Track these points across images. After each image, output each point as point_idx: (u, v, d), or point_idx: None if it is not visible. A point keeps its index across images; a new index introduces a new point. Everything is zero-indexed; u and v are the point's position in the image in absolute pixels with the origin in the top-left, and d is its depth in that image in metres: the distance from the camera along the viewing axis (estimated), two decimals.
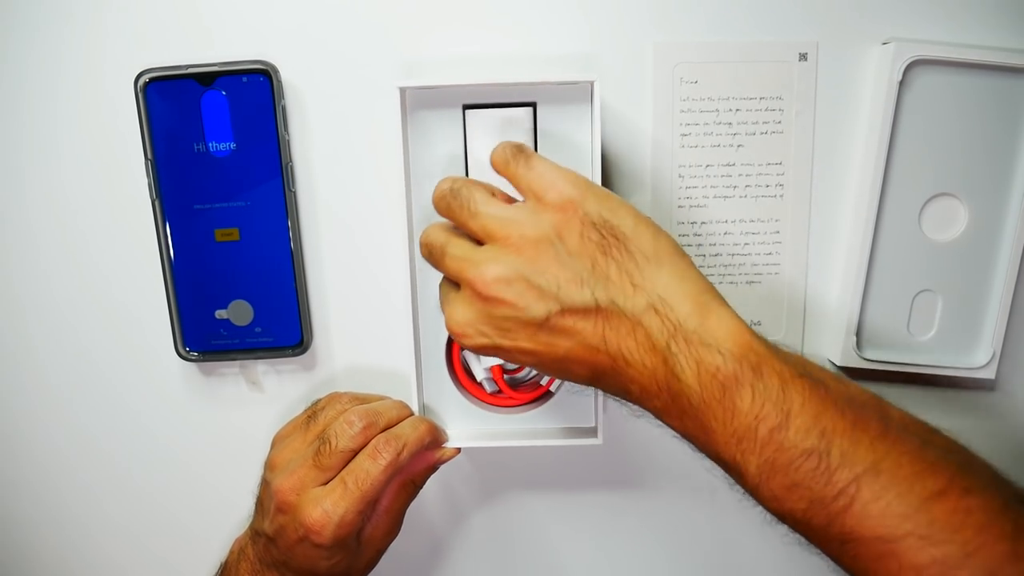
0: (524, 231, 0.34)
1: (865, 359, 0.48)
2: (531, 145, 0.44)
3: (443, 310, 0.38)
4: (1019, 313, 0.49)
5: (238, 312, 0.48)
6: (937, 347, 0.49)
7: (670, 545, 0.54)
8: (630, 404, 0.36)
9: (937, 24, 0.46)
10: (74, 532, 0.54)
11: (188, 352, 0.49)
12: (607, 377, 0.35)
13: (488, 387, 0.46)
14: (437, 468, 0.45)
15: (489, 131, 0.44)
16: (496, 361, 0.44)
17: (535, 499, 0.53)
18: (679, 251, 0.35)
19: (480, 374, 0.46)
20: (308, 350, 0.49)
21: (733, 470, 0.33)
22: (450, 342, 0.46)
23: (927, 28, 0.46)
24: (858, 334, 0.48)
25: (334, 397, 0.46)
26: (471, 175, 0.44)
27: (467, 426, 0.47)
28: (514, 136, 0.44)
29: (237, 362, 0.50)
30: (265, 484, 0.43)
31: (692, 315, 0.33)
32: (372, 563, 0.44)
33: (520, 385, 0.48)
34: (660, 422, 0.35)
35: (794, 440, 0.30)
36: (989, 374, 0.48)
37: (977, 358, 0.49)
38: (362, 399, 0.45)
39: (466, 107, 0.44)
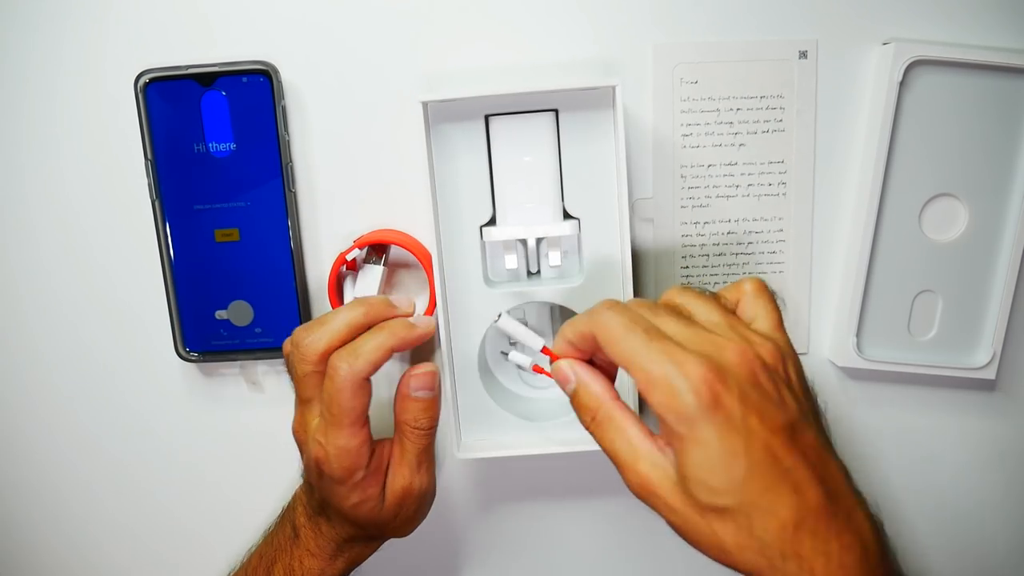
0: None
1: (865, 359, 0.48)
2: (556, 147, 0.44)
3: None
4: (1019, 313, 0.49)
5: (238, 312, 0.48)
6: (937, 347, 0.49)
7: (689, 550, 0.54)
8: None
9: (937, 24, 0.46)
10: (74, 532, 0.54)
11: (188, 353, 0.49)
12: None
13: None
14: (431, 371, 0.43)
15: (513, 138, 0.44)
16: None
17: (557, 507, 0.53)
18: None
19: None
20: None
21: None
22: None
23: (927, 28, 0.46)
24: (858, 334, 0.48)
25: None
26: (496, 182, 0.44)
27: (490, 436, 0.46)
28: (540, 141, 0.44)
29: (237, 362, 0.50)
30: None
31: None
32: (401, 518, 0.44)
33: None
34: None
35: None
36: (989, 374, 0.48)
37: (977, 358, 0.49)
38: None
39: (488, 116, 0.44)
